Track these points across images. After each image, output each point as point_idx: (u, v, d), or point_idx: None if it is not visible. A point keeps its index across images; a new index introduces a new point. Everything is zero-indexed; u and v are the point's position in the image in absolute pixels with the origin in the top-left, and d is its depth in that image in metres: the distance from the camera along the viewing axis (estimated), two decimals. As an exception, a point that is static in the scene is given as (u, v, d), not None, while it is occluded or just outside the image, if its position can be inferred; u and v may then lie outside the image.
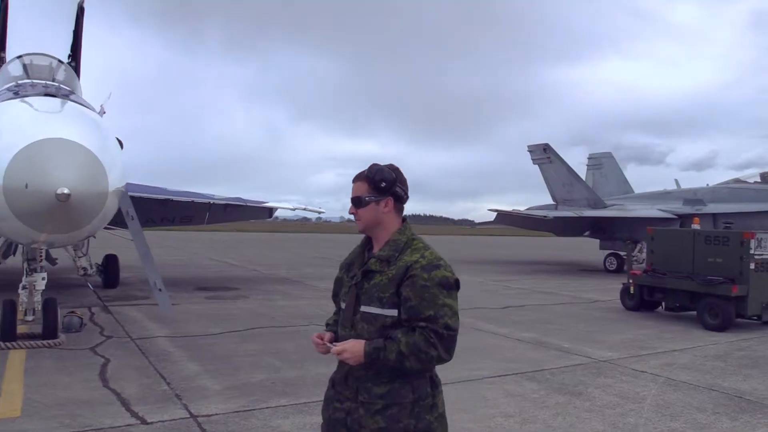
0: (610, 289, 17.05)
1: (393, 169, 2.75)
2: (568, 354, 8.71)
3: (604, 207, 24.81)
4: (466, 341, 9.41)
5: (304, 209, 18.07)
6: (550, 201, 28.33)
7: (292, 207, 17.24)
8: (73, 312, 9.14)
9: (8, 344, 7.86)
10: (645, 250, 21.73)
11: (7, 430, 5.06)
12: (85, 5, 8.05)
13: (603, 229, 23.61)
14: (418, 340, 2.52)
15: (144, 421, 5.36)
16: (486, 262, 28.20)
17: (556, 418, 5.93)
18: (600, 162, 28.66)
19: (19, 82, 5.95)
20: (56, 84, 5.61)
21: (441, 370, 2.67)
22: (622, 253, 23.12)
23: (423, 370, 2.61)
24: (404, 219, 2.83)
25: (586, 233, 24.97)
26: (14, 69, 7.26)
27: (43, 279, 8.13)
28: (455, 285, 2.64)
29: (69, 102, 4.55)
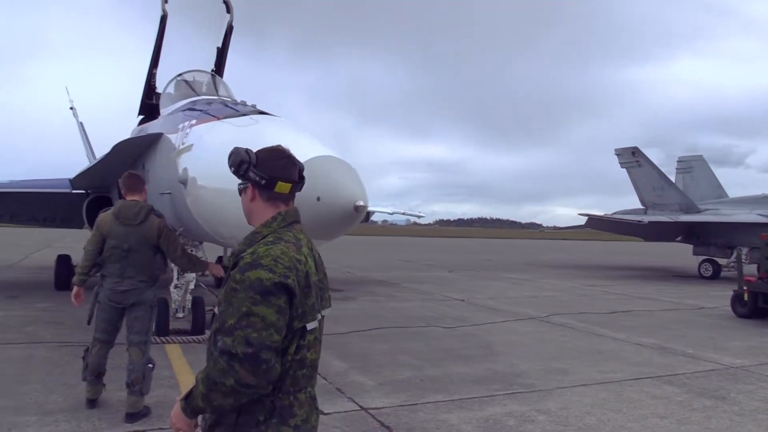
0: (714, 296, 16.72)
1: (267, 152, 2.37)
2: (697, 360, 8.68)
3: (698, 212, 24.20)
4: (589, 344, 9.55)
5: (403, 214, 18.45)
6: (620, 203, 27.92)
7: (390, 211, 17.66)
8: (211, 310, 9.73)
9: (162, 339, 8.50)
10: (744, 256, 21.17)
11: (203, 415, 5.54)
12: (233, 23, 8.65)
13: (697, 234, 23.03)
14: (211, 370, 2.08)
15: (321, 412, 5.74)
16: (570, 267, 27.92)
17: (709, 420, 6.00)
18: (690, 165, 27.93)
19: (210, 98, 6.52)
20: (242, 101, 6.14)
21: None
22: (718, 260, 22.57)
23: (248, 401, 2.11)
24: (290, 211, 2.38)
25: (679, 238, 24.42)
26: (182, 87, 7.89)
27: (194, 278, 8.72)
28: (274, 290, 2.09)
29: (284, 119, 5.00)
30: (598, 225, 25.09)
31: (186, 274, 8.66)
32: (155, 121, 8.00)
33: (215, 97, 6.68)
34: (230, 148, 4.46)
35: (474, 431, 5.47)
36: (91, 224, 11.90)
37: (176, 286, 8.66)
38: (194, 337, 8.65)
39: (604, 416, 6.00)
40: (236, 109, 5.32)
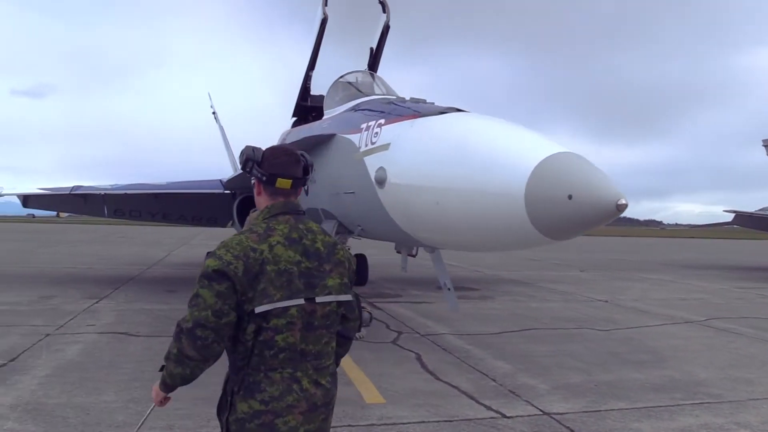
0: None
1: (271, 150, 2.60)
2: None
3: None
4: (767, 352, 8.79)
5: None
6: (752, 199, 25.68)
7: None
8: (363, 307, 9.81)
9: (321, 336, 8.67)
10: None
11: (388, 414, 5.49)
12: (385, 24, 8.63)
13: None
14: (171, 342, 2.43)
15: (503, 415, 5.60)
16: (710, 267, 26.10)
17: None
18: None
19: (386, 98, 6.49)
20: (422, 98, 6.07)
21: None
22: None
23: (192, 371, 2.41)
24: (277, 204, 2.58)
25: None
26: (346, 88, 7.99)
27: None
28: (215, 276, 2.34)
29: (482, 114, 4.87)
30: (747, 222, 23.32)
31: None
32: (320, 122, 8.07)
33: (392, 96, 6.66)
34: (438, 146, 4.37)
35: (673, 443, 5.12)
36: (240, 223, 12.49)
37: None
38: (351, 334, 8.76)
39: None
40: (419, 109, 5.17)
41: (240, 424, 2.39)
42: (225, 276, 2.32)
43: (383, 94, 7.18)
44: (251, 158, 2.55)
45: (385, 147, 4.99)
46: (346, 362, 7.32)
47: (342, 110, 7.22)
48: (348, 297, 2.65)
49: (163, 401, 2.62)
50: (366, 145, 5.52)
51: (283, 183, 2.55)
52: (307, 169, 2.63)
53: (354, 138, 5.94)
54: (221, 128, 23.67)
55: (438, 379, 6.77)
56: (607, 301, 13.93)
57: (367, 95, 7.24)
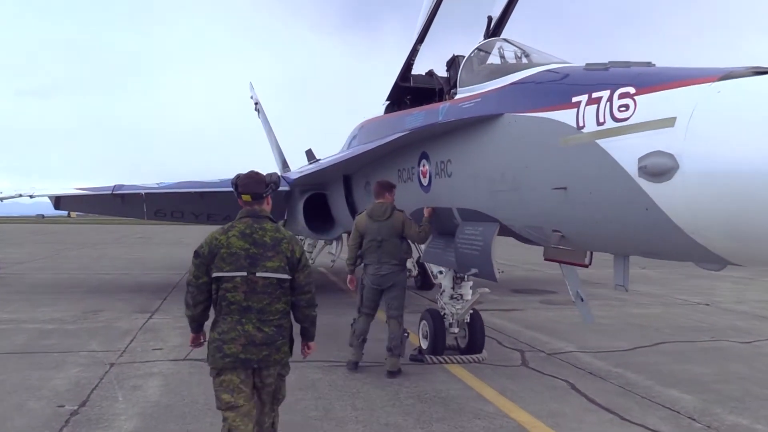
0: None
1: (243, 176, 3.90)
2: None
3: None
4: None
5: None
6: None
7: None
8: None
9: (437, 358, 7.33)
10: None
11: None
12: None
13: None
14: None
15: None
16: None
17: None
18: None
19: (594, 63, 4.93)
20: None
21: None
22: None
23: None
24: (244, 210, 3.85)
25: None
26: (483, 59, 6.54)
27: (471, 289, 7.50)
28: (195, 254, 3.72)
29: None
30: None
31: (462, 284, 7.47)
32: (454, 104, 6.50)
33: (602, 62, 5.07)
34: None
35: None
36: (307, 221, 11.36)
37: (452, 297, 7.47)
38: (472, 357, 7.41)
39: None
40: (703, 72, 3.68)
41: (210, 343, 3.72)
42: (199, 255, 3.69)
43: (551, 63, 5.68)
44: (233, 182, 3.89)
45: (666, 122, 3.52)
46: (494, 397, 5.99)
47: (502, 84, 5.64)
48: (284, 276, 3.69)
49: (194, 341, 3.99)
50: (599, 124, 4.08)
51: (245, 197, 3.81)
52: (268, 185, 3.86)
53: (558, 115, 4.50)
54: (265, 120, 21.52)
55: (624, 419, 5.41)
56: (708, 305, 12.59)
57: (528, 66, 5.76)
